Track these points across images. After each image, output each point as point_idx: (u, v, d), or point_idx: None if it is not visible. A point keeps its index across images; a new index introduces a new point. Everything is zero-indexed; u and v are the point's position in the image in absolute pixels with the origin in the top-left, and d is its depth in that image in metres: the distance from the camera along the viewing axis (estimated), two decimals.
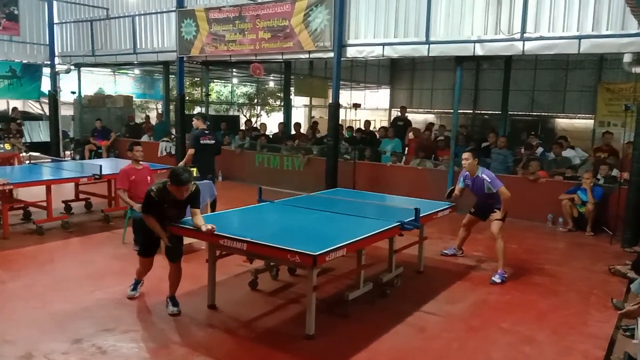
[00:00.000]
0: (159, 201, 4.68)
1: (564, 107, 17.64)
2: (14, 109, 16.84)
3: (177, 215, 4.88)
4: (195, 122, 8.61)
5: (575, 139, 13.42)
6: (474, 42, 8.98)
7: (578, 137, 15.26)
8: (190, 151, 8.20)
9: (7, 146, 9.92)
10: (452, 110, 10.49)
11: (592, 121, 15.81)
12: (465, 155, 6.43)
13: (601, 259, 7.09)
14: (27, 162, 10.18)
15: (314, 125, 15.36)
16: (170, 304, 4.93)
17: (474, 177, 6.33)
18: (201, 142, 8.24)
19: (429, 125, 13.95)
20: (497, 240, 6.18)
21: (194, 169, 7.01)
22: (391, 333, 4.64)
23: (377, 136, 13.15)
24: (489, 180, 6.19)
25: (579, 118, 17.54)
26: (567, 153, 10.44)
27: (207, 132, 8.49)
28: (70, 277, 5.88)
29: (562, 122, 18.30)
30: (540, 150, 10.91)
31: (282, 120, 16.00)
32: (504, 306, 5.42)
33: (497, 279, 6.04)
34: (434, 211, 5.99)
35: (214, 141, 8.56)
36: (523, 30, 8.51)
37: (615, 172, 9.09)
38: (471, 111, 19.02)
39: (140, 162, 7.07)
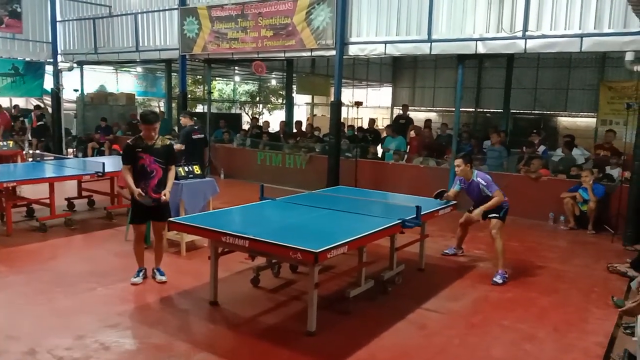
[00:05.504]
0: (133, 145, 5.31)
1: (566, 105, 17.61)
2: (15, 106, 16.87)
3: (152, 169, 5.37)
4: (183, 120, 9.59)
5: (577, 138, 13.34)
6: (476, 40, 8.99)
7: (580, 135, 15.17)
8: (180, 147, 8.60)
9: (11, 144, 9.97)
10: (454, 109, 10.49)
11: (594, 119, 15.76)
12: (456, 162, 6.44)
13: (602, 257, 7.09)
14: (30, 159, 10.21)
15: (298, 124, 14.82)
16: (158, 274, 5.65)
17: (469, 182, 6.31)
18: (193, 137, 8.95)
19: (427, 122, 13.84)
20: (496, 240, 6.07)
21: (196, 167, 7.04)
22: (392, 330, 4.66)
23: (385, 134, 13.00)
24: (484, 184, 6.19)
25: (581, 116, 17.50)
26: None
27: (196, 127, 9.35)
28: (73, 273, 5.91)
29: (565, 121, 18.27)
30: (542, 148, 10.88)
31: (283, 119, 15.97)
32: (505, 303, 5.43)
33: (498, 279, 5.94)
34: (435, 209, 6.00)
35: (202, 135, 9.43)
36: (525, 28, 8.52)
37: (610, 170, 9.10)
38: (473, 109, 18.98)
39: None
